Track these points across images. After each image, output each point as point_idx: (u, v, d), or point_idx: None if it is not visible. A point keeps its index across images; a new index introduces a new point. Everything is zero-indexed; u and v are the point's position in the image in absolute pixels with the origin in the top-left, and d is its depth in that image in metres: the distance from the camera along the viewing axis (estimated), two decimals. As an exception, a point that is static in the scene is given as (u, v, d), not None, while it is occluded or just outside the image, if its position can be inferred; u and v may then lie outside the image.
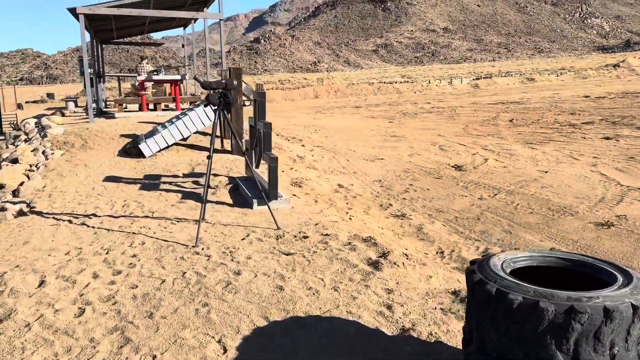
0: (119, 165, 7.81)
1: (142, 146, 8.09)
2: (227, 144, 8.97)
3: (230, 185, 6.33)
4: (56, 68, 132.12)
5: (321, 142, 12.35)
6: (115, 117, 11.33)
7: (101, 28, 14.88)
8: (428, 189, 7.30)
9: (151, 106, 12.39)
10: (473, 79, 44.66)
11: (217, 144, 9.13)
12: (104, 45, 17.97)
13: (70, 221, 5.07)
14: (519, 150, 9.92)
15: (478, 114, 18.69)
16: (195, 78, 4.64)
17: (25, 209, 5.60)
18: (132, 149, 8.35)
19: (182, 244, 4.20)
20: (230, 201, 5.72)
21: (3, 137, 12.31)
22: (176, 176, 7.01)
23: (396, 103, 27.90)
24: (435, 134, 13.11)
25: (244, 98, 8.34)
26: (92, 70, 11.98)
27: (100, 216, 5.21)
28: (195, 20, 15.03)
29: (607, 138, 11.00)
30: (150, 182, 6.69)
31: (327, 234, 4.36)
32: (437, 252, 4.87)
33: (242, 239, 4.31)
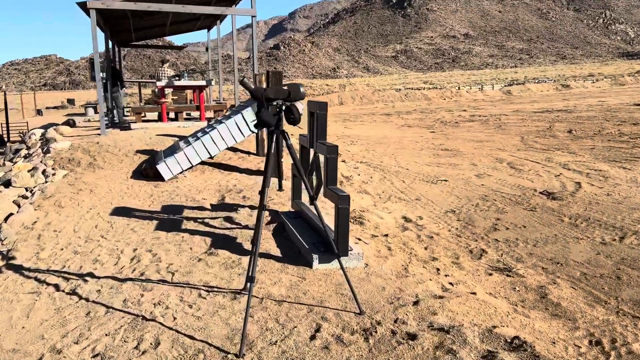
0: (132, 192, 6.32)
1: (161, 167, 6.61)
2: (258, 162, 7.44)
3: (274, 225, 4.78)
4: (78, 74, 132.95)
5: (363, 156, 10.77)
6: (131, 129, 9.90)
7: (118, 29, 13.55)
8: (524, 226, 5.66)
9: (172, 114, 10.96)
10: (505, 85, 42.70)
11: (249, 162, 7.60)
12: (122, 49, 16.68)
13: (57, 286, 3.57)
14: (610, 171, 8.22)
15: (528, 124, 16.95)
16: (242, 82, 3.12)
17: (0, 263, 4.12)
18: (148, 170, 6.87)
19: (216, 347, 2.65)
20: (276, 250, 4.18)
21: (3, 150, 10.95)
22: (202, 208, 5.49)
23: (429, 110, 26.21)
24: (493, 148, 11.44)
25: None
26: (104, 74, 10.58)
27: (99, 277, 3.70)
28: (222, 20, 13.61)
29: None
30: (170, 218, 5.18)
31: (442, 328, 2.78)
32: (591, 343, 3.25)
33: (311, 338, 2.74)
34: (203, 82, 10.42)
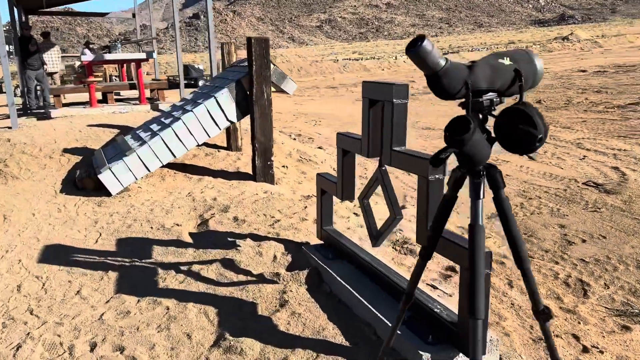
0: (67, 216, 4.44)
1: (105, 176, 4.73)
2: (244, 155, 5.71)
3: (305, 273, 3.15)
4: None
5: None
6: (51, 118, 7.73)
7: (23, -9, 10.95)
8: (603, 237, 4.38)
9: (99, 95, 8.80)
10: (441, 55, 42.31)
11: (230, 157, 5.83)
12: (30, 17, 13.89)
13: None
14: (635, 150, 7.20)
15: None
16: (417, 50, 1.45)
17: None
18: (86, 181, 4.96)
19: None
20: (331, 330, 2.59)
21: None
22: (179, 243, 3.75)
23: (375, 82, 24.94)
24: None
25: (272, 89, 5.10)
26: (10, 47, 8.24)
27: None
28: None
29: None
30: (135, 265, 3.42)
31: None
32: None
33: None
34: (142, 55, 8.34)
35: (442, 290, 3.17)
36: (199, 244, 3.71)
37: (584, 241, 4.37)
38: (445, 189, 1.76)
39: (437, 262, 3.74)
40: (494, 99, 1.56)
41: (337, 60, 37.40)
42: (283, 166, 5.87)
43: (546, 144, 8.09)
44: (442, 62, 1.49)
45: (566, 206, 5.17)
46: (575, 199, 5.40)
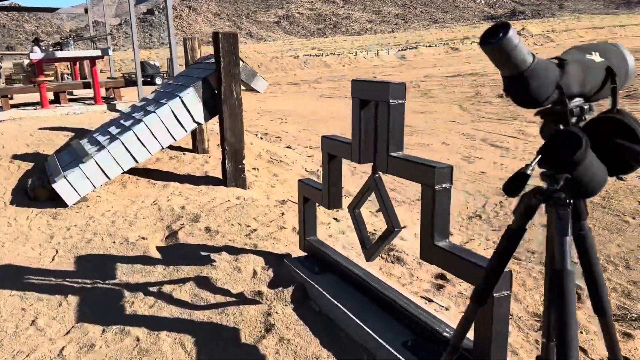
0: (18, 231, 4.01)
1: (61, 185, 4.31)
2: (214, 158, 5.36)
3: (290, 290, 2.87)
4: None
5: (309, 139, 8.94)
6: (-3, 120, 7.15)
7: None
8: (633, 250, 4.29)
9: (51, 96, 8.23)
10: (399, 50, 42.59)
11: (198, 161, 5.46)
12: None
13: None
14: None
15: (453, 90, 16.16)
16: (504, 44, 1.15)
17: None
18: (39, 191, 4.53)
19: None
20: (314, 346, 2.34)
21: None
22: (146, 259, 3.41)
23: (336, 78, 24.82)
24: (445, 121, 10.18)
25: (242, 87, 4.78)
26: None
27: None
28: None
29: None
30: (97, 287, 3.06)
31: None
32: None
33: None
34: (97, 52, 7.83)
35: (437, 304, 2.96)
36: (169, 259, 3.38)
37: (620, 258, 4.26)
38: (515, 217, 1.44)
39: (426, 270, 3.53)
40: (584, 106, 1.26)
41: (298, 56, 37.09)
42: (254, 168, 5.56)
43: (517, 139, 8.07)
44: (530, 59, 1.16)
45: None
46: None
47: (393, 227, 2.34)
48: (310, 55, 37.68)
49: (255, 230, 3.73)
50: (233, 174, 4.74)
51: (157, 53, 59.95)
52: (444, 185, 2.06)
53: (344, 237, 3.78)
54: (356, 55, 38.61)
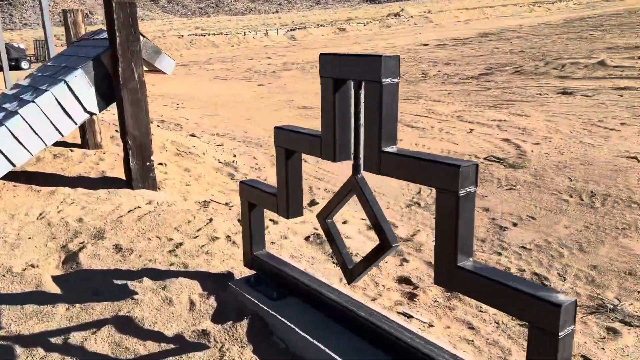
0: None
1: None
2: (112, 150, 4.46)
3: (245, 323, 2.26)
4: None
5: (215, 126, 8.12)
6: None
7: None
8: (532, 218, 4.11)
9: None
10: (288, 30, 42.00)
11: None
12: None
13: None
14: (516, 121, 7.27)
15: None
16: None
17: None
18: None
19: None
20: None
21: None
22: (39, 295, 2.59)
23: (228, 59, 23.74)
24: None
25: (145, 68, 3.96)
26: None
27: None
28: None
29: (566, 93, 9.07)
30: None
31: None
32: None
33: None
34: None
35: (418, 319, 2.51)
36: (72, 294, 2.59)
37: (515, 224, 4.06)
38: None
39: (387, 274, 3.09)
40: None
41: (182, 36, 35.14)
42: (160, 164, 4.76)
43: (429, 118, 7.93)
44: None
45: (480, 185, 4.87)
46: (486, 176, 5.15)
47: (390, 244, 1.82)
48: (196, 35, 35.81)
49: (181, 244, 3.03)
50: (140, 173, 3.94)
51: (21, 34, 53.91)
52: (468, 189, 1.58)
53: (289, 242, 3.21)
54: (245, 35, 37.39)
